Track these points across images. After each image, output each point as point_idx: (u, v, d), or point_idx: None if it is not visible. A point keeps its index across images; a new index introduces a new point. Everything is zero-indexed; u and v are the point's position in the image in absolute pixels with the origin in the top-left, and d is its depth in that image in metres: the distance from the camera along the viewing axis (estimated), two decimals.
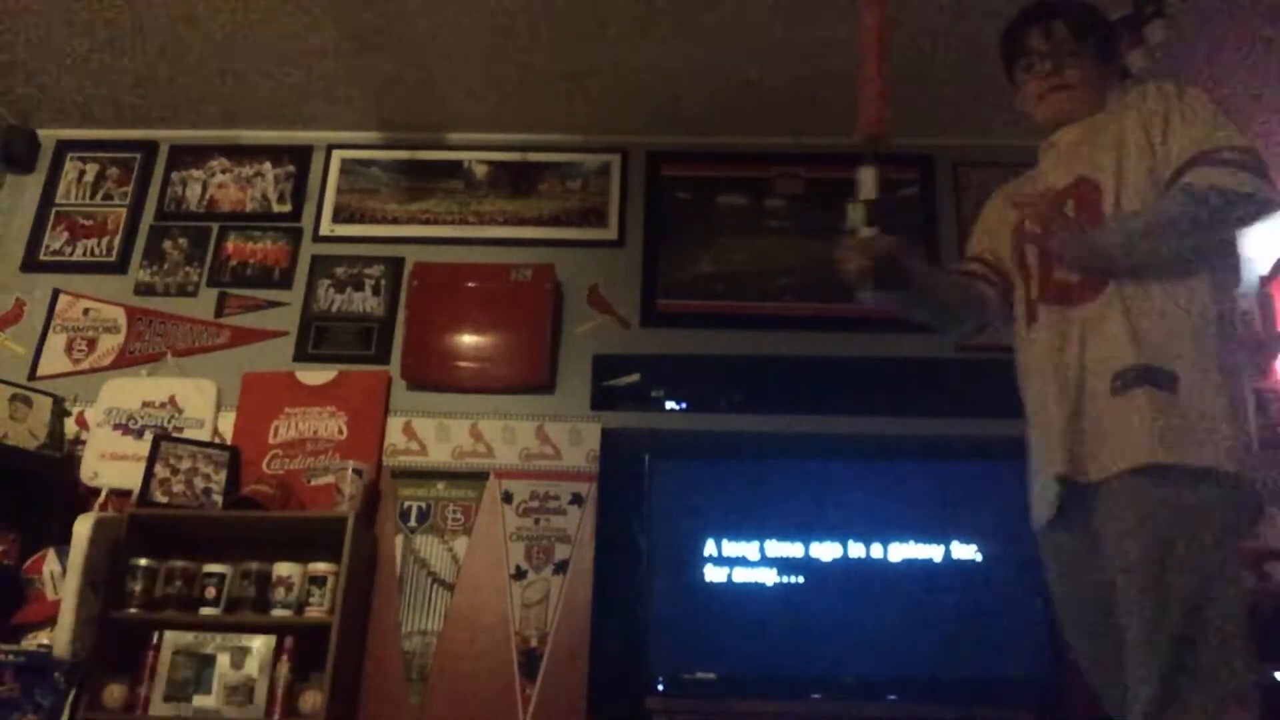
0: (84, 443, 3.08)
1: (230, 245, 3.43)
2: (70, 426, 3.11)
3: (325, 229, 3.44)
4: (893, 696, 2.68)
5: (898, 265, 1.70)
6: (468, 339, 3.21)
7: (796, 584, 2.84)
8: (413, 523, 3.01)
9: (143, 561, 2.73)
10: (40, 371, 3.23)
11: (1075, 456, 1.57)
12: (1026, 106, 1.86)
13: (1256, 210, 1.57)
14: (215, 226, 3.46)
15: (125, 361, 3.25)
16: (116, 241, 3.44)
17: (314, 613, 2.69)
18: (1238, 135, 1.59)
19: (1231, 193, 1.54)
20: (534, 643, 2.85)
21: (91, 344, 3.28)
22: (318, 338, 3.27)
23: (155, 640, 2.66)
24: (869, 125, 1.66)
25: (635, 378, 3.16)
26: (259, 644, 2.66)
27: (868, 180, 1.65)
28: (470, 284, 3.26)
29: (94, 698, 2.62)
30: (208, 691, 2.61)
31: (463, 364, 3.18)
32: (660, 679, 2.72)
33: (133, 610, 2.69)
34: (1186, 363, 1.53)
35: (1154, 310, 1.57)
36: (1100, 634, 1.58)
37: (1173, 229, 1.57)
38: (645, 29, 3.00)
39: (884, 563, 2.84)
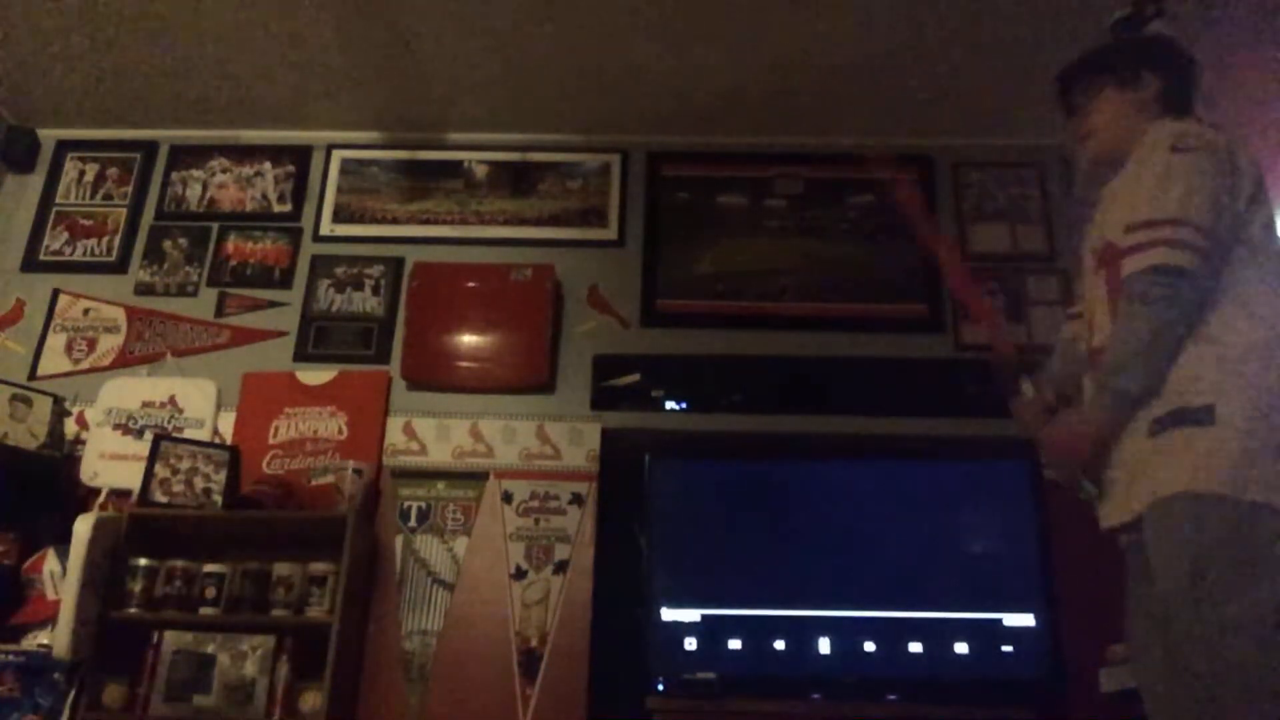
0: (84, 443, 3.08)
1: (230, 245, 3.43)
2: (70, 426, 3.11)
3: (325, 229, 3.44)
4: (893, 696, 2.68)
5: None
6: (468, 339, 3.20)
7: (797, 584, 2.83)
8: (413, 523, 3.01)
9: (143, 561, 2.73)
10: (40, 371, 3.23)
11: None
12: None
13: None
14: (215, 226, 3.46)
15: (125, 361, 3.25)
16: (116, 241, 3.44)
17: (314, 613, 2.69)
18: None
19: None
20: (534, 643, 2.84)
21: (91, 344, 3.27)
22: (318, 338, 3.27)
23: (155, 640, 2.66)
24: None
25: (635, 378, 3.16)
26: (259, 644, 2.66)
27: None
28: (470, 284, 3.26)
29: (94, 698, 2.61)
30: (208, 691, 2.61)
31: (463, 364, 3.18)
32: (660, 679, 2.72)
33: (133, 610, 2.69)
34: (1223, 394, 1.55)
35: (1185, 351, 1.62)
36: None
37: (1139, 347, 1.62)
38: (646, 29, 3.00)
39: (884, 562, 2.84)
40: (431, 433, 3.11)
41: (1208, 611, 1.45)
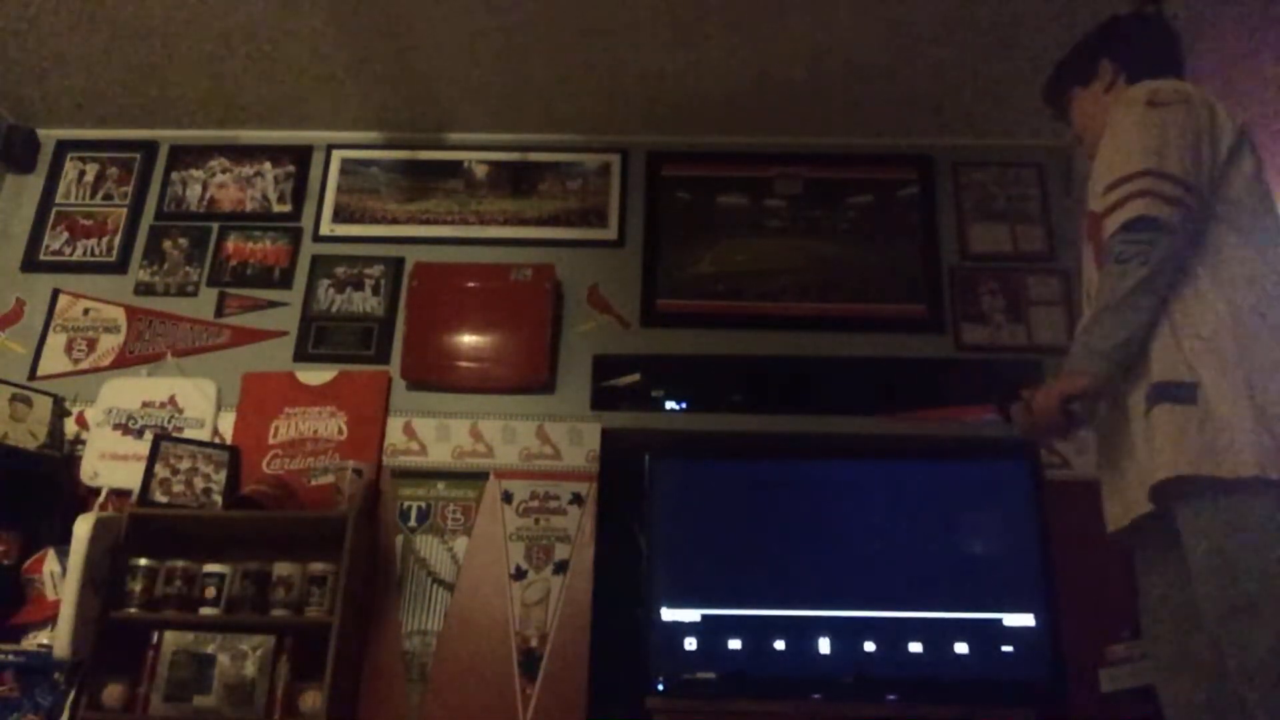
0: (84, 443, 3.08)
1: (230, 245, 3.43)
2: (70, 426, 3.11)
3: (325, 229, 3.44)
4: (893, 696, 2.68)
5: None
6: (468, 339, 3.20)
7: (797, 584, 2.83)
8: (413, 523, 3.01)
9: (143, 561, 2.73)
10: (40, 371, 3.23)
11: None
12: None
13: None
14: (215, 226, 3.46)
15: (125, 361, 3.25)
16: (116, 241, 3.44)
17: (314, 613, 2.69)
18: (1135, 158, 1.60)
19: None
20: (534, 643, 2.84)
21: (91, 344, 3.28)
22: (318, 338, 3.27)
23: (155, 640, 2.65)
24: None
25: (635, 378, 3.16)
26: (259, 644, 2.66)
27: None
28: (470, 284, 3.26)
29: (94, 698, 2.61)
30: (208, 691, 2.61)
31: (463, 364, 3.18)
32: (660, 679, 2.72)
33: (133, 610, 2.69)
34: (1205, 369, 1.52)
35: (1166, 323, 1.58)
36: None
37: (1111, 301, 1.57)
38: (645, 29, 3.00)
39: (884, 562, 2.84)
40: (431, 433, 3.11)
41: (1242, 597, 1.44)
